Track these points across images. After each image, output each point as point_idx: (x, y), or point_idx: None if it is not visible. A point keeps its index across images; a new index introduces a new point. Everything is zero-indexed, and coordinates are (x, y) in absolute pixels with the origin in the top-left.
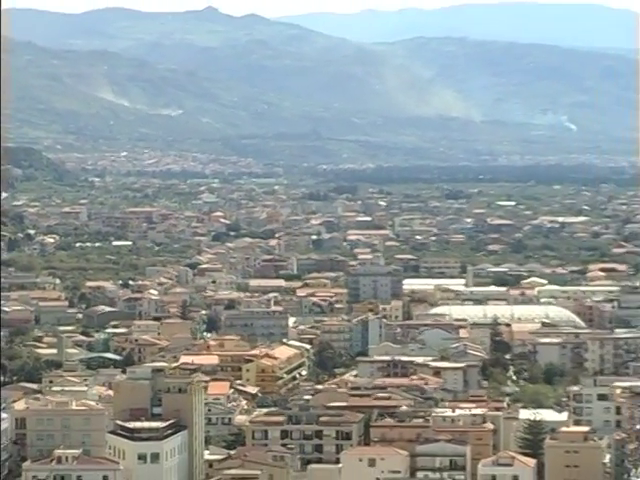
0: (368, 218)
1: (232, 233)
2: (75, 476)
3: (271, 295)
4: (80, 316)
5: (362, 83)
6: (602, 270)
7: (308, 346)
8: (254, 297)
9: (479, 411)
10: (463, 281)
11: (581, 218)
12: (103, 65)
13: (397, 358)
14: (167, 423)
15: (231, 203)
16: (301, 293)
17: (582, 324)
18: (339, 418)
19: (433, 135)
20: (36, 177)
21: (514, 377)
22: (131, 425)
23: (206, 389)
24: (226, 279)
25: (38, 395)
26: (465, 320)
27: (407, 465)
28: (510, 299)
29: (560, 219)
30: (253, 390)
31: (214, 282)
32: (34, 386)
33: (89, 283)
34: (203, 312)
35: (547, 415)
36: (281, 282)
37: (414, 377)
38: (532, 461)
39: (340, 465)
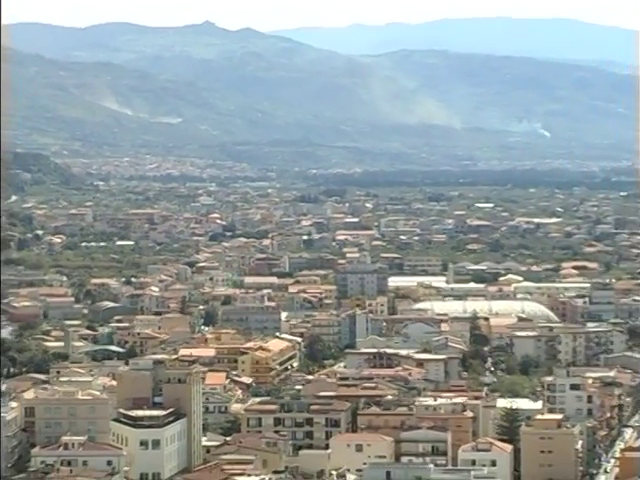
0: (355, 219)
1: (228, 233)
2: (81, 461)
3: (265, 291)
4: (85, 311)
5: (350, 93)
6: (574, 268)
7: (299, 339)
8: (249, 293)
9: (459, 400)
10: (444, 278)
11: (555, 219)
12: (107, 76)
13: (383, 350)
14: (167, 411)
15: (227, 205)
16: (293, 290)
17: (556, 318)
18: (328, 406)
19: (416, 141)
20: (44, 181)
21: (492, 368)
22: (133, 413)
23: (204, 379)
24: (222, 276)
25: (46, 385)
26: (446, 315)
27: (392, 450)
28: (488, 295)
29: (535, 220)
30: (248, 380)
31: (211, 279)
32: (42, 377)
33: (94, 280)
34: (201, 307)
35: (523, 404)
36: (274, 279)
37: (398, 368)
38: (509, 447)
39: (329, 450)
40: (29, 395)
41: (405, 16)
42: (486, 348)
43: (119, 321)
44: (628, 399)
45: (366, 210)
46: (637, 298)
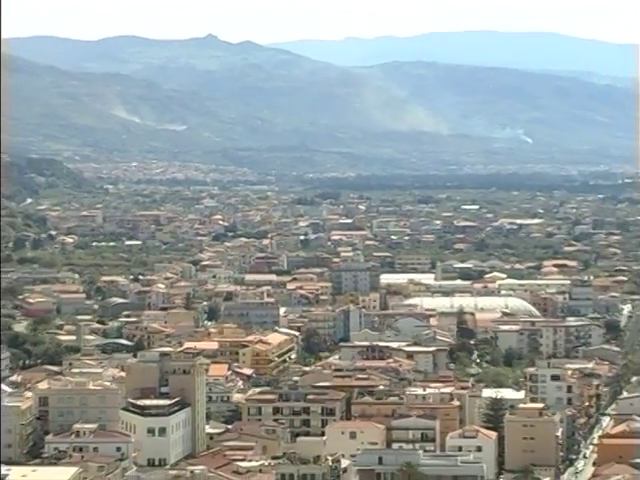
0: (349, 220)
1: (230, 234)
2: (92, 448)
3: (264, 288)
4: (96, 307)
5: (344, 102)
6: (555, 266)
7: (297, 333)
8: (249, 290)
9: (447, 390)
10: (433, 276)
11: (536, 220)
12: (116, 86)
13: (375, 343)
14: (173, 401)
15: (229, 207)
16: (290, 286)
17: (537, 313)
18: (324, 396)
19: (406, 147)
20: (57, 185)
21: (477, 360)
22: (141, 403)
23: (207, 371)
24: (225, 274)
25: (59, 376)
26: (434, 310)
27: (384, 437)
28: (474, 291)
29: (518, 221)
30: (248, 372)
31: (214, 277)
32: (55, 368)
33: (104, 278)
34: (204, 303)
35: (507, 393)
36: (273, 277)
37: (390, 360)
38: (494, 434)
39: (325, 437)
40: (43, 385)
41: (396, 30)
42: (472, 341)
43: (127, 316)
44: (605, 389)
45: (359, 212)
46: (614, 294)
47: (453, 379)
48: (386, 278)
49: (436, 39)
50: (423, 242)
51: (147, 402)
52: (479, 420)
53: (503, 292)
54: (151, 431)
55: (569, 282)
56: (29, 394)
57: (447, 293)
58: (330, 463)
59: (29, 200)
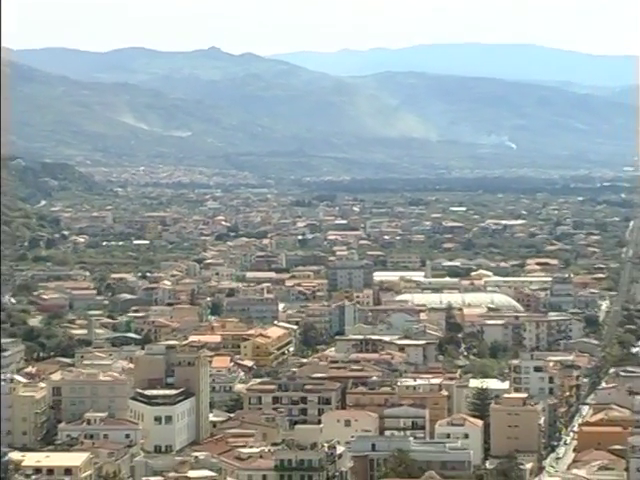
0: (344, 221)
1: (232, 234)
2: (102, 435)
3: (264, 285)
4: (106, 302)
5: (339, 110)
6: (537, 264)
7: (295, 327)
8: (250, 287)
9: (436, 381)
10: (422, 273)
11: (520, 221)
12: (125, 95)
13: (368, 337)
14: (178, 391)
15: (231, 209)
16: (289, 283)
17: (521, 309)
18: (320, 386)
19: (398, 152)
20: (70, 187)
21: (465, 352)
22: (148, 392)
23: (211, 362)
24: (227, 272)
25: (71, 368)
26: (424, 305)
27: (377, 425)
28: (461, 288)
29: (503, 222)
30: (249, 363)
31: (217, 274)
32: (68, 360)
33: (114, 275)
34: (208, 299)
35: (492, 384)
36: (272, 274)
37: (382, 352)
38: (480, 422)
39: (321, 425)
40: (56, 376)
41: (388, 42)
42: (460, 335)
43: (136, 311)
44: (585, 380)
45: (354, 213)
46: (593, 291)
47: (442, 370)
48: (379, 275)
49: (426, 51)
50: (413, 242)
51: (154, 392)
52: (466, 409)
53: (489, 289)
54: (158, 419)
55: (551, 279)
56: (43, 384)
57: (436, 290)
58: (326, 449)
59: (43, 202)
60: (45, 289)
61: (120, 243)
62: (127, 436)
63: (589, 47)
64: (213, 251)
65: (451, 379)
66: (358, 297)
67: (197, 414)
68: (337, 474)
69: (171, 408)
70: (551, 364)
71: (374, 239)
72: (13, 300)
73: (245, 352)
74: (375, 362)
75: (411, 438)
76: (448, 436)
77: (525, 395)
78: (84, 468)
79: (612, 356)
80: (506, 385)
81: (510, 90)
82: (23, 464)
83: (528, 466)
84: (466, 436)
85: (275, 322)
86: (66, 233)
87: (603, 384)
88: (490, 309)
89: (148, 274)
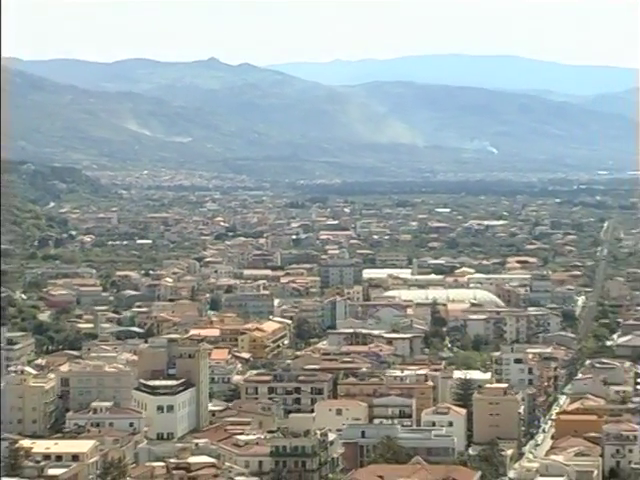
0: (336, 222)
1: (230, 233)
2: (108, 423)
3: (260, 282)
4: (111, 298)
5: (331, 117)
6: (517, 262)
7: (289, 321)
8: (247, 283)
9: (422, 372)
10: (409, 271)
11: (501, 221)
12: (129, 103)
13: (358, 330)
14: (179, 381)
15: (229, 210)
16: (284, 280)
17: (502, 304)
18: (313, 377)
19: (386, 157)
20: (77, 190)
21: (449, 345)
22: (151, 383)
23: (210, 355)
24: (225, 269)
25: (79, 360)
26: (411, 301)
27: (366, 414)
28: (446, 285)
29: (485, 222)
30: (246, 356)
31: (216, 272)
32: (75, 353)
33: (118, 273)
34: (207, 295)
35: (475, 375)
36: (268, 272)
37: (372, 345)
38: (463, 411)
39: (314, 414)
40: (64, 368)
41: (377, 53)
42: (444, 329)
43: (139, 306)
44: (562, 371)
45: (344, 214)
46: (570, 287)
47: (427, 362)
48: (368, 273)
49: (412, 62)
50: (401, 241)
51: (156, 382)
52: (450, 398)
53: (472, 285)
54: (160, 408)
55: (530, 276)
56: (52, 376)
57: (422, 286)
58: (319, 437)
59: (52, 204)
60: (54, 286)
61: (124, 242)
62: (131, 424)
63: (566, 58)
64: (212, 250)
65: (436, 370)
66: (349, 293)
67: (197, 403)
68: (329, 460)
69: (173, 398)
70: (530, 356)
71: (364, 239)
72: (24, 296)
73: (242, 345)
74: (365, 354)
75: (398, 426)
76: (433, 424)
77: (506, 385)
78: (90, 454)
79: (588, 349)
80: (488, 376)
81: (492, 98)
82: (33, 451)
83: (508, 452)
84: (450, 424)
85: (270, 317)
86: (74, 233)
87: (579, 375)
88: (473, 304)
89: (151, 272)
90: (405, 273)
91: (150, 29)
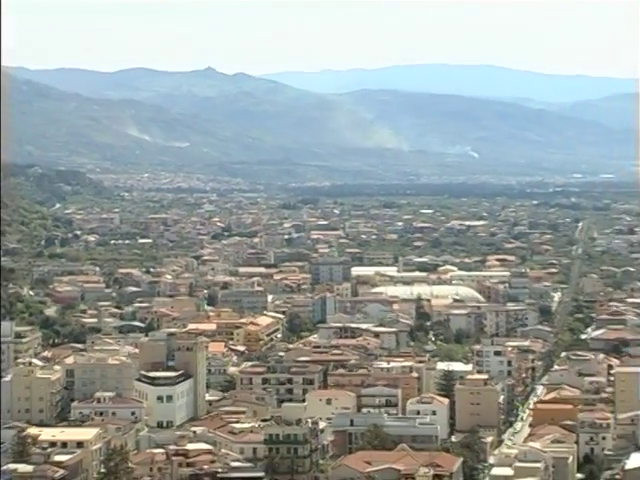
0: (326, 222)
1: (226, 233)
2: (111, 412)
3: (254, 279)
4: (114, 294)
5: (321, 123)
6: (497, 260)
7: (282, 316)
8: (242, 280)
9: (407, 364)
10: (395, 268)
11: (482, 222)
12: (130, 110)
13: (347, 325)
14: (178, 373)
15: (225, 211)
16: (277, 277)
17: (482, 299)
18: (305, 369)
19: (373, 161)
20: (81, 192)
21: (433, 339)
22: (152, 374)
23: (207, 348)
24: (221, 267)
25: (83, 352)
26: (397, 297)
27: (355, 403)
28: (430, 281)
29: (466, 223)
30: (242, 348)
31: (213, 269)
32: (80, 346)
33: (121, 270)
34: (205, 291)
35: (457, 366)
36: (262, 269)
37: (360, 339)
38: (446, 400)
39: (305, 403)
40: (69, 360)
41: (364, 63)
42: (428, 323)
43: (140, 302)
44: (539, 363)
45: (334, 215)
46: (546, 284)
47: (412, 355)
48: (356, 270)
49: (398, 71)
50: (387, 240)
51: (156, 374)
52: (434, 389)
53: (454, 282)
54: (160, 398)
55: (509, 273)
56: (58, 367)
57: (407, 283)
58: (310, 425)
59: (58, 205)
60: (60, 282)
61: (126, 242)
62: (133, 413)
63: (543, 68)
64: (209, 249)
65: (421, 362)
66: (338, 289)
67: (195, 394)
68: (319, 447)
69: (172, 388)
70: (509, 349)
71: (352, 238)
72: (31, 292)
73: (237, 338)
74: (353, 347)
75: (385, 415)
76: (418, 413)
77: (486, 376)
78: (94, 442)
79: (563, 342)
80: (469, 367)
81: (473, 106)
82: (40, 438)
83: (489, 439)
84: (434, 413)
85: (264, 312)
86: (78, 233)
87: (555, 367)
88: (455, 300)
89: (151, 269)
90: (391, 271)
91: (150, 41)
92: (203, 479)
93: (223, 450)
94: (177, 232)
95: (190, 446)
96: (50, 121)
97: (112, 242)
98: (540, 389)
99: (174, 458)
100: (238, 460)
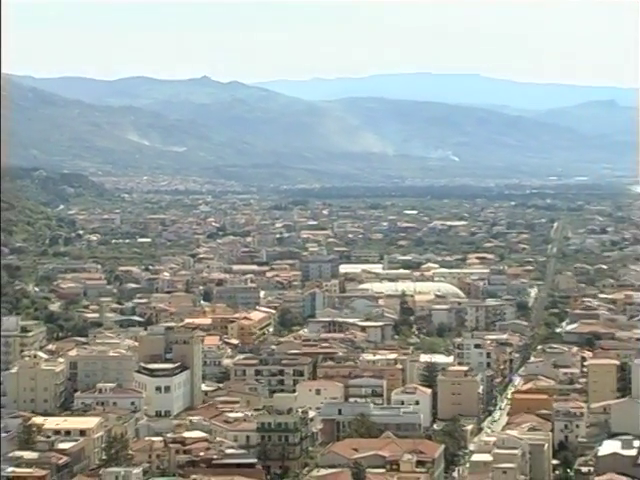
0: (315, 222)
1: (220, 233)
2: (112, 402)
3: (248, 276)
4: (115, 290)
5: (311, 129)
6: (477, 258)
7: (274, 311)
8: (236, 277)
9: (392, 356)
10: (381, 266)
11: (462, 222)
12: (130, 116)
13: (335, 319)
14: (175, 365)
15: (220, 212)
16: (269, 274)
17: (463, 295)
18: (295, 361)
19: (360, 165)
20: (84, 194)
21: (416, 332)
22: (150, 366)
23: (203, 341)
24: (217, 265)
25: (85, 345)
26: (382, 293)
27: (342, 394)
28: (413, 278)
29: (448, 223)
30: (235, 342)
31: (208, 267)
32: (82, 339)
33: (121, 268)
34: (201, 288)
35: (439, 359)
36: (255, 267)
37: (347, 332)
38: (429, 391)
39: (296, 394)
40: (73, 353)
41: (352, 72)
42: (412, 317)
43: (140, 298)
44: (517, 355)
45: (323, 215)
46: (524, 281)
47: (397, 347)
48: (344, 268)
49: (383, 79)
50: (373, 239)
51: (155, 366)
52: (417, 380)
53: (436, 279)
54: (158, 389)
55: (488, 271)
56: (61, 360)
57: (392, 279)
58: (300, 414)
59: (61, 206)
60: (63, 279)
61: (126, 241)
62: (132, 403)
63: (520, 76)
64: (205, 247)
65: (405, 355)
66: (326, 286)
67: (191, 384)
68: (309, 435)
69: (169, 379)
70: (488, 342)
71: (340, 237)
72: (36, 289)
73: (232, 332)
74: (341, 340)
75: (371, 404)
76: (402, 402)
77: (466, 368)
78: (96, 430)
79: (539, 335)
80: (451, 359)
81: (454, 112)
82: (44, 427)
83: (469, 427)
84: (417, 402)
85: (257, 307)
86: (81, 232)
87: (532, 359)
88: (437, 296)
89: (150, 267)
90: (377, 268)
91: (149, 51)
92: (199, 465)
93: (218, 438)
94: (174, 232)
95: (187, 434)
96: (54, 127)
97: (113, 241)
98: (517, 380)
99: (171, 445)
100: (232, 447)
